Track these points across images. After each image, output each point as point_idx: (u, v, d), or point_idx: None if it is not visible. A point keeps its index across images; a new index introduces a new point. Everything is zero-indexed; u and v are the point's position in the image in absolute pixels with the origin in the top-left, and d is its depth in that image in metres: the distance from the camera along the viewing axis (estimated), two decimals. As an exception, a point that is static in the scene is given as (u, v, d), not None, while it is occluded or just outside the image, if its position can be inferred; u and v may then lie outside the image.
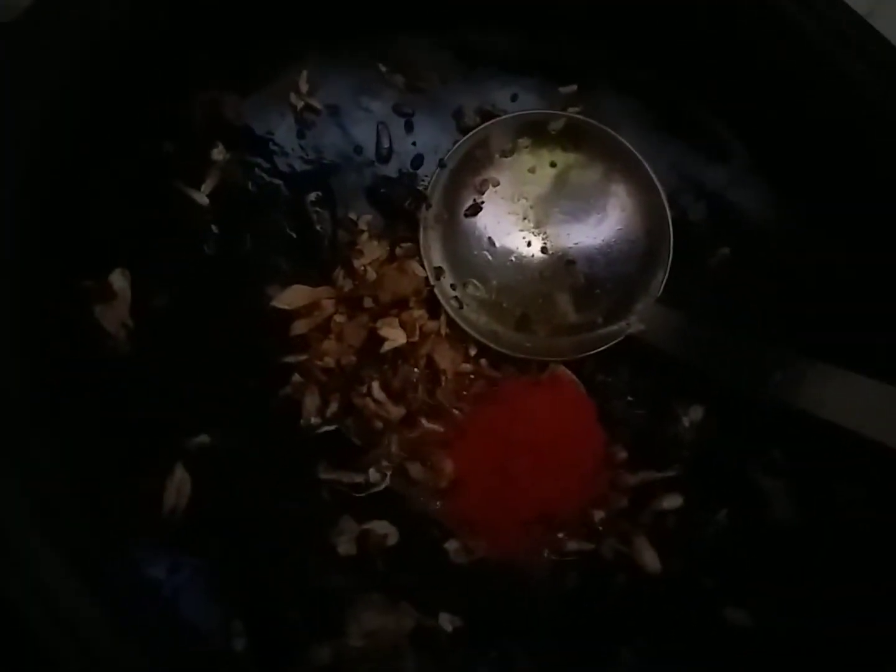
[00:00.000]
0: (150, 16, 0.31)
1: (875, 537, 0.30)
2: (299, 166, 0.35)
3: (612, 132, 0.36)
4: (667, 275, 0.35)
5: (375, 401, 0.32)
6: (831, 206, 0.35)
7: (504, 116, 0.36)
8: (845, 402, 0.30)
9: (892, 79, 0.33)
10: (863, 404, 0.29)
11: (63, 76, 0.28)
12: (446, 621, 0.29)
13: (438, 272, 0.34)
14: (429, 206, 0.35)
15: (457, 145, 0.35)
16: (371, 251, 0.34)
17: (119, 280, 0.30)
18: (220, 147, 0.34)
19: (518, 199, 0.36)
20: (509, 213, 0.36)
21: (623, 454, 0.33)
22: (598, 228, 0.36)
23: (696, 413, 0.34)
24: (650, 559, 0.31)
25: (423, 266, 0.34)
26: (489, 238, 0.36)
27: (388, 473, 0.32)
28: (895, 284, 0.33)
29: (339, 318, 0.33)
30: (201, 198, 0.33)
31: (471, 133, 0.35)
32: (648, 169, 0.35)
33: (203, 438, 0.30)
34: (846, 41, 0.33)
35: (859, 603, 0.29)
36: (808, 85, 0.34)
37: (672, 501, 0.32)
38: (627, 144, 0.35)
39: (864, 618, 0.29)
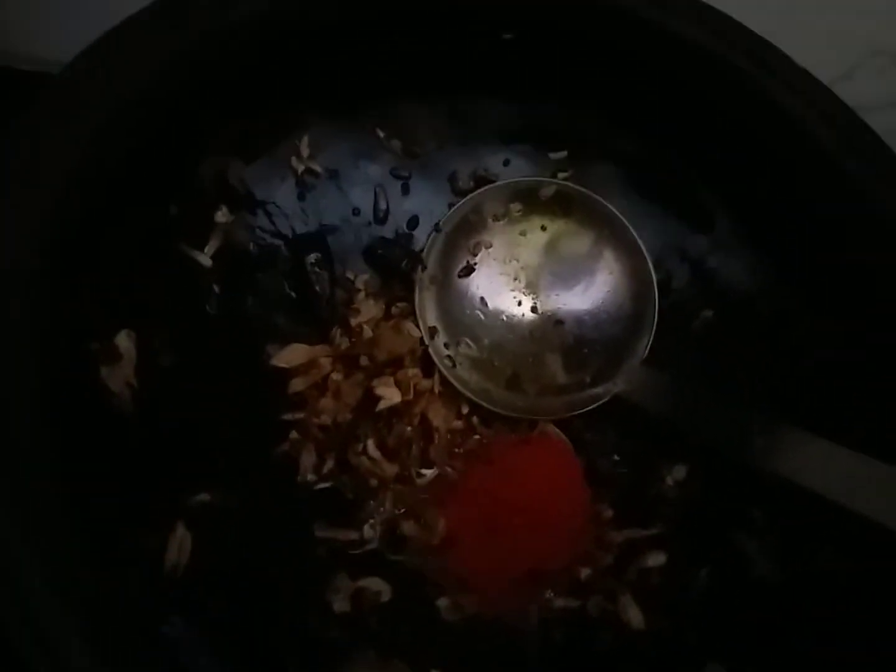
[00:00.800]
0: (168, 89, 0.32)
1: (855, 597, 0.31)
2: (299, 228, 0.36)
3: (601, 199, 0.37)
4: (652, 337, 0.36)
5: (370, 458, 0.33)
6: (812, 275, 0.36)
7: (498, 183, 0.37)
8: (823, 471, 0.31)
9: (871, 159, 0.35)
10: (841, 473, 0.30)
11: (90, 139, 0.29)
12: (438, 678, 0.30)
13: (433, 331, 0.36)
14: (424, 268, 0.36)
15: (452, 210, 0.37)
16: (367, 310, 0.36)
17: (125, 341, 0.31)
18: (224, 210, 0.35)
19: (510, 261, 0.37)
20: (501, 275, 0.37)
21: (609, 512, 0.34)
22: (587, 291, 0.37)
23: (679, 472, 0.35)
24: (634, 616, 0.32)
25: (417, 326, 0.35)
26: (482, 298, 0.37)
27: (380, 531, 0.33)
28: (875, 353, 0.34)
29: (335, 377, 0.34)
30: (205, 259, 0.34)
31: (466, 198, 0.37)
32: (635, 234, 0.37)
33: (203, 497, 0.31)
34: (830, 122, 0.35)
35: (837, 661, 0.30)
36: (791, 161, 0.35)
37: (656, 559, 0.33)
38: (615, 211, 0.37)
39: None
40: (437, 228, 0.37)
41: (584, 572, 0.33)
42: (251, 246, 0.35)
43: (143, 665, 0.26)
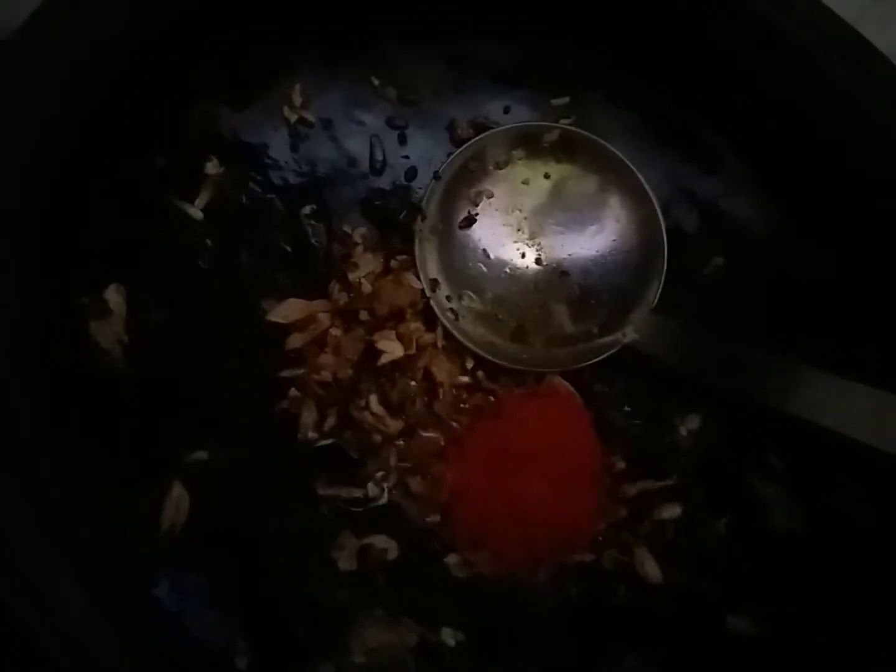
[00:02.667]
0: (145, 31, 0.31)
1: (875, 541, 0.30)
2: (293, 179, 0.35)
3: (606, 143, 0.36)
4: (661, 285, 0.35)
5: (373, 414, 0.32)
6: (823, 215, 0.35)
7: (498, 129, 0.36)
8: (839, 408, 0.30)
9: (881, 88, 0.33)
10: (856, 409, 0.30)
11: (60, 93, 0.28)
12: (449, 636, 0.29)
13: (434, 284, 0.34)
14: (424, 219, 0.35)
15: (451, 157, 0.35)
16: (366, 264, 0.34)
17: (114, 296, 0.30)
18: (214, 161, 0.33)
19: (512, 211, 0.36)
20: (504, 225, 0.36)
21: (621, 464, 0.33)
22: (593, 239, 0.36)
23: (693, 422, 0.34)
24: (651, 569, 0.31)
25: (418, 278, 0.34)
26: (484, 250, 0.36)
27: (387, 487, 0.32)
28: (885, 291, 0.33)
29: (335, 332, 0.33)
30: (195, 212, 0.33)
31: (465, 145, 0.36)
32: (642, 179, 0.35)
33: (200, 454, 0.30)
34: (837, 52, 0.33)
35: (860, 608, 0.29)
36: (800, 95, 0.34)
37: (671, 511, 0.32)
38: (620, 155, 0.36)
39: (865, 622, 0.29)
40: (435, 177, 0.35)
41: (598, 525, 0.32)
42: (244, 198, 0.34)
43: (142, 623, 0.25)
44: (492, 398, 0.34)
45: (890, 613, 0.29)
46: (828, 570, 0.30)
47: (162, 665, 0.24)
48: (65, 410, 0.27)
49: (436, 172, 0.35)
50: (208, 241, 0.33)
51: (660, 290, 0.35)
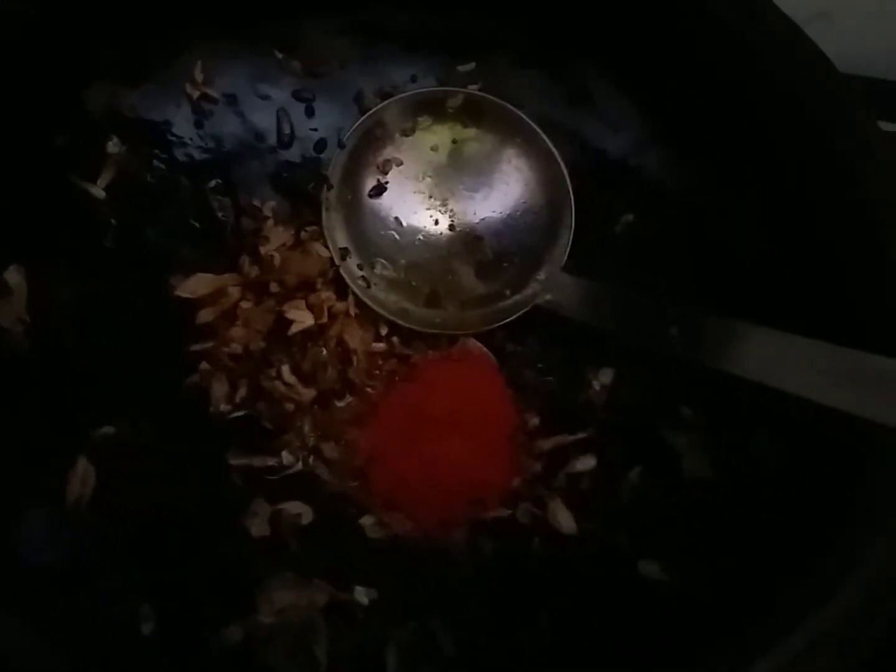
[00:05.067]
0: (38, 7, 0.31)
1: (782, 485, 0.31)
2: (199, 156, 0.35)
3: (510, 106, 0.36)
4: (570, 243, 0.35)
5: (285, 383, 0.32)
6: (730, 170, 0.35)
7: (400, 95, 0.36)
8: (745, 354, 0.30)
9: (781, 40, 0.34)
10: (761, 354, 0.30)
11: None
12: (362, 594, 0.29)
13: (344, 253, 0.34)
14: (330, 188, 0.35)
15: (355, 126, 0.35)
16: (277, 237, 0.34)
17: (14, 276, 0.30)
18: (115, 140, 0.33)
19: (423, 178, 0.36)
20: (415, 192, 0.36)
21: (535, 420, 0.33)
22: (502, 202, 0.36)
23: (605, 376, 0.34)
24: (565, 520, 0.31)
25: (327, 248, 0.34)
26: (396, 218, 0.36)
27: (302, 455, 0.32)
28: (789, 243, 0.33)
29: (245, 305, 0.33)
30: (98, 191, 0.33)
31: (368, 113, 0.36)
32: (548, 141, 0.36)
33: (107, 430, 0.30)
34: (744, 11, 0.34)
35: (767, 551, 0.30)
36: (704, 53, 0.34)
37: (585, 463, 0.32)
38: (526, 118, 0.36)
39: (771, 566, 0.29)
40: (340, 146, 0.35)
41: (514, 482, 0.32)
42: (148, 176, 0.34)
43: (46, 596, 0.25)
44: (406, 363, 0.34)
45: (795, 557, 0.29)
46: (736, 515, 0.31)
47: (63, 633, 0.24)
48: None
49: (339, 141, 0.35)
50: (112, 220, 0.33)
51: (568, 249, 0.35)
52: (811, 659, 0.24)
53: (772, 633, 0.26)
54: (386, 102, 0.36)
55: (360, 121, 0.36)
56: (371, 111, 0.36)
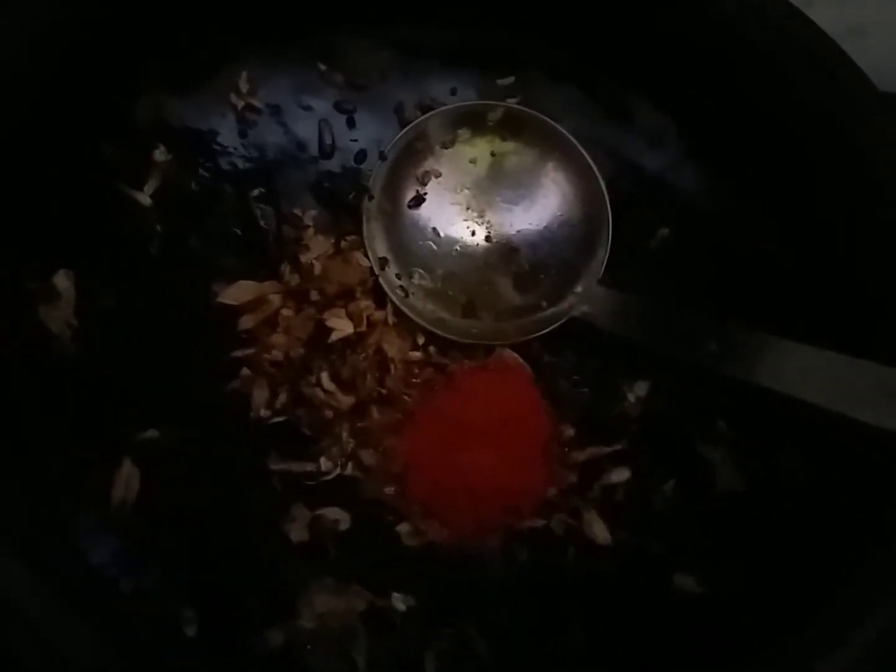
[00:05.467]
0: (89, 17, 0.31)
1: (815, 499, 0.31)
2: (242, 165, 0.35)
3: (549, 120, 0.36)
4: (607, 256, 0.35)
5: (325, 390, 0.33)
6: (767, 187, 0.36)
7: (442, 108, 0.36)
8: (782, 369, 0.31)
9: (819, 64, 0.34)
10: (796, 368, 0.30)
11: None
12: (399, 601, 0.29)
13: (383, 262, 0.35)
14: (371, 198, 0.35)
15: (397, 138, 0.36)
16: (317, 246, 0.35)
17: (63, 281, 0.31)
18: (162, 148, 0.34)
19: (461, 190, 0.37)
20: (452, 204, 0.37)
21: (570, 431, 0.33)
22: (540, 215, 0.36)
23: (641, 389, 0.34)
24: (600, 531, 0.32)
25: (367, 257, 0.35)
26: (433, 228, 0.36)
27: (340, 461, 0.32)
28: (824, 260, 0.34)
29: (286, 312, 0.34)
30: (144, 199, 0.33)
31: (410, 125, 0.36)
32: (585, 155, 0.36)
33: (151, 433, 0.30)
34: (779, 31, 0.34)
35: (800, 566, 0.30)
36: (740, 72, 0.35)
37: (620, 475, 0.33)
38: (564, 132, 0.36)
39: (808, 581, 0.29)
40: (382, 157, 0.36)
41: (549, 492, 0.32)
42: (193, 184, 0.35)
43: (93, 600, 0.25)
44: (443, 372, 0.34)
45: (828, 571, 0.29)
46: (769, 529, 0.31)
47: (109, 636, 0.25)
48: (15, 392, 0.28)
49: (381, 153, 0.36)
50: (158, 227, 0.34)
51: (605, 262, 0.35)
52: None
53: (808, 647, 0.26)
54: (427, 115, 0.36)
55: (401, 133, 0.36)
56: (413, 123, 0.36)
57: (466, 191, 0.37)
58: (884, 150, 0.32)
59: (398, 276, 0.35)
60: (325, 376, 0.33)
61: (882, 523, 0.29)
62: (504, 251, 0.36)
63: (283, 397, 0.33)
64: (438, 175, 0.37)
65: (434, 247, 0.36)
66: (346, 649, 0.28)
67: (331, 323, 0.33)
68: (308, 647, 0.27)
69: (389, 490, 0.32)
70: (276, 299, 0.34)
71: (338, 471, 0.32)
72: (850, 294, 0.32)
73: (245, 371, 0.33)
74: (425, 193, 0.36)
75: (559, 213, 0.36)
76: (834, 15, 0.35)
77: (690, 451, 0.33)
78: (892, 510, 0.29)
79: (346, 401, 0.33)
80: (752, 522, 0.31)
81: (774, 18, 0.34)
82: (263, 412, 0.32)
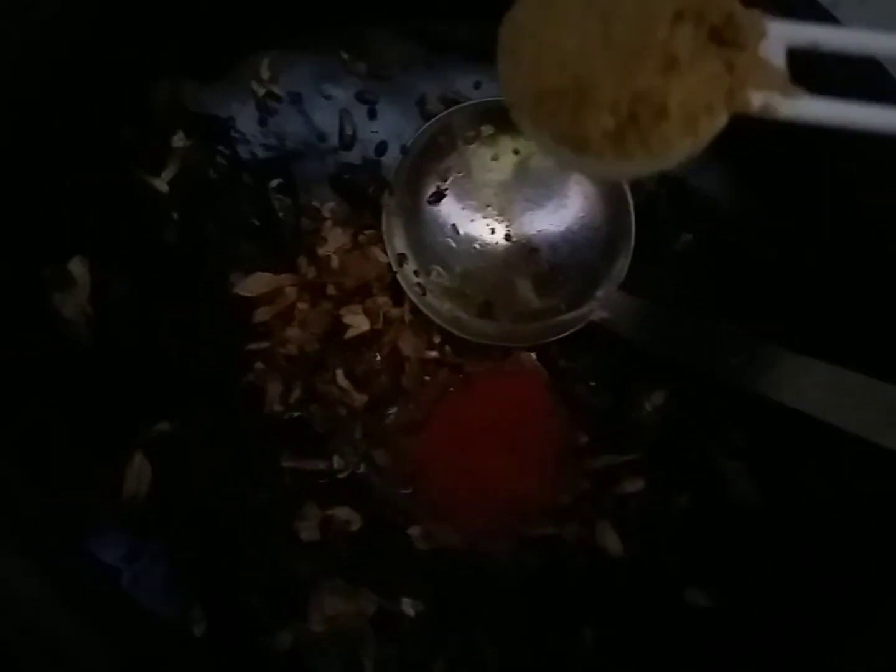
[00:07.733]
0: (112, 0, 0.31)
1: (834, 517, 0.31)
2: (261, 153, 0.35)
3: (574, 120, 0.36)
4: (629, 261, 0.35)
5: (340, 388, 0.32)
6: (791, 194, 0.35)
7: (467, 103, 0.36)
8: (800, 385, 0.30)
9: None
10: (817, 387, 0.30)
11: (16, 61, 0.28)
12: (408, 606, 0.29)
13: (401, 259, 0.34)
14: (392, 193, 0.35)
15: (419, 132, 0.35)
16: (335, 239, 0.34)
17: (78, 267, 0.30)
18: (181, 134, 0.33)
19: (482, 187, 0.36)
20: (473, 201, 0.36)
21: (585, 439, 0.33)
22: (561, 216, 0.36)
23: (658, 397, 0.34)
24: (612, 542, 0.31)
25: (385, 252, 0.34)
26: (453, 225, 0.36)
27: (353, 460, 0.32)
28: (849, 269, 0.33)
29: (302, 306, 0.33)
30: (161, 185, 0.33)
31: (434, 119, 0.35)
32: (610, 157, 0.35)
33: (163, 426, 0.30)
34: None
35: (815, 582, 0.30)
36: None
37: (634, 485, 0.32)
38: (589, 133, 0.35)
39: (822, 599, 0.29)
40: (403, 151, 0.35)
41: (561, 499, 0.32)
42: (211, 172, 0.34)
43: (99, 596, 0.25)
44: (458, 373, 0.34)
45: (843, 587, 0.29)
46: (784, 543, 0.31)
47: (116, 633, 0.24)
48: (25, 380, 0.27)
49: (404, 147, 0.35)
50: (174, 215, 0.33)
51: (627, 267, 0.35)
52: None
53: (821, 664, 0.26)
54: (452, 109, 0.36)
55: (424, 126, 0.35)
56: (436, 117, 0.35)
57: (487, 188, 0.36)
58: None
59: (416, 273, 0.35)
60: (339, 373, 0.33)
61: None
62: (524, 251, 0.36)
63: (297, 392, 0.32)
64: (460, 171, 0.36)
65: (453, 244, 0.36)
66: (355, 653, 0.28)
67: (347, 319, 0.33)
68: (316, 650, 0.27)
69: (402, 490, 0.32)
70: (292, 292, 0.34)
71: (350, 470, 0.32)
72: (881, 312, 0.32)
73: (259, 364, 0.32)
74: (446, 189, 0.36)
75: (581, 215, 0.36)
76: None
77: (706, 463, 0.33)
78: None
79: (360, 399, 0.33)
80: (766, 538, 0.31)
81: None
82: (277, 407, 0.32)
